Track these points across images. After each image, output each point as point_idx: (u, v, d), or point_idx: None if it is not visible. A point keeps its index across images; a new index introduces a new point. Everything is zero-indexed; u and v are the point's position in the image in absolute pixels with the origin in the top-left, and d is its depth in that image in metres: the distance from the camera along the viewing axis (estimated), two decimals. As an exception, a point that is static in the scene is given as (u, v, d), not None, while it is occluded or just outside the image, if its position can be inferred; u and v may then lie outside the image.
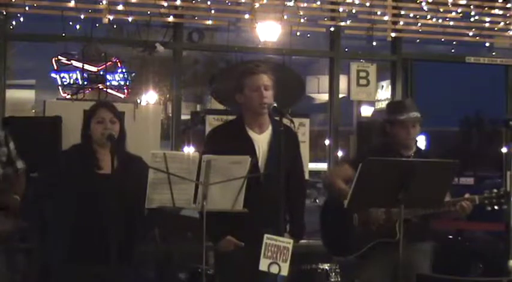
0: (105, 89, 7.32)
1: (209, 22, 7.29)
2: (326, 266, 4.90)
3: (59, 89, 7.47)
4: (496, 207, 4.45)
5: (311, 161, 7.79)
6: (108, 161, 4.07)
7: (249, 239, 3.76)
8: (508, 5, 7.94)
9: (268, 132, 4.14)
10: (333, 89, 7.82)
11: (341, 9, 7.56)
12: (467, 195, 4.43)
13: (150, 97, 10.79)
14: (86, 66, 7.25)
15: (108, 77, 7.36)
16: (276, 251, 3.49)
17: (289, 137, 4.17)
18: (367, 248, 4.46)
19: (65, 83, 7.33)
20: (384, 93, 8.94)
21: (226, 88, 7.25)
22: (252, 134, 4.16)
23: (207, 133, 4.51)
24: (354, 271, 4.74)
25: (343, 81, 7.99)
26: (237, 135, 4.15)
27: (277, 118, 3.83)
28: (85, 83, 7.25)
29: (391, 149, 4.51)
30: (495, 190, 4.44)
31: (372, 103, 10.15)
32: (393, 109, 4.66)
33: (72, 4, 6.89)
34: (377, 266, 4.45)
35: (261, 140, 4.13)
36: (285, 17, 7.36)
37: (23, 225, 4.68)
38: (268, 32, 7.39)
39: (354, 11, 7.62)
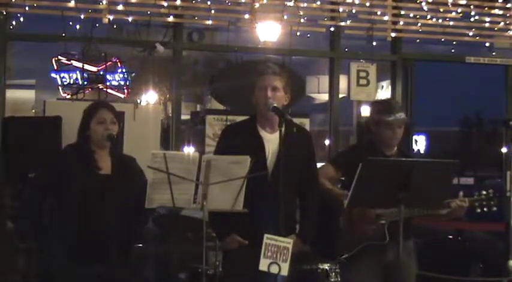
0: (105, 89, 7.33)
1: (209, 22, 7.29)
2: (326, 266, 4.89)
3: (59, 89, 7.48)
4: (485, 210, 4.44)
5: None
6: (107, 161, 4.08)
7: (256, 238, 3.76)
8: (508, 5, 7.94)
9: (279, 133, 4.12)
10: (333, 89, 7.83)
11: (341, 9, 7.56)
12: (460, 198, 4.42)
13: (150, 97, 10.77)
14: (86, 66, 7.26)
15: (108, 77, 7.38)
16: (276, 251, 3.49)
17: (301, 138, 4.19)
18: (355, 251, 4.44)
19: (65, 83, 7.35)
20: (384, 93, 8.93)
21: (226, 88, 7.27)
22: (263, 133, 4.17)
23: (222, 129, 4.53)
24: (343, 275, 4.72)
25: (343, 81, 7.99)
26: (249, 133, 4.17)
27: (289, 119, 3.82)
28: (85, 83, 7.26)
29: (374, 148, 4.49)
30: (484, 192, 4.43)
31: (370, 106, 10.13)
32: (380, 109, 4.63)
33: (72, 4, 6.89)
34: (366, 268, 4.44)
35: (272, 140, 4.13)
36: (285, 17, 7.36)
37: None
38: (268, 32, 7.39)
39: (354, 11, 7.62)
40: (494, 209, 4.43)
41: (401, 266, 4.23)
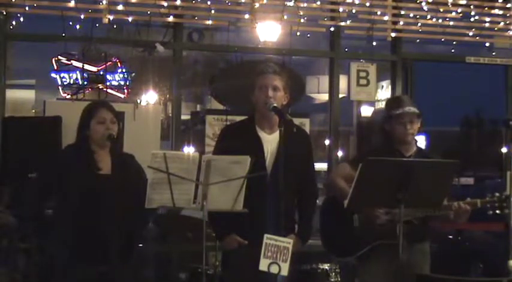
0: (105, 89, 7.33)
1: (209, 22, 7.29)
2: (326, 266, 4.91)
3: (59, 89, 7.48)
4: (497, 212, 4.43)
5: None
6: (107, 161, 4.08)
7: (255, 238, 3.77)
8: (508, 5, 7.93)
9: (278, 133, 4.11)
10: (333, 89, 7.82)
11: (341, 9, 7.56)
12: (468, 199, 4.40)
13: (150, 97, 10.77)
14: (86, 66, 7.26)
15: (108, 77, 7.37)
16: (276, 251, 3.49)
17: (300, 138, 4.19)
18: (367, 250, 4.44)
19: (65, 83, 7.35)
20: (384, 93, 8.94)
21: (226, 88, 7.26)
22: (262, 134, 4.18)
23: (221, 130, 4.54)
24: (355, 272, 4.73)
25: (343, 81, 7.99)
26: (247, 134, 4.17)
27: (289, 119, 3.84)
28: (85, 83, 7.26)
29: (391, 149, 4.50)
30: (497, 194, 4.40)
31: (372, 103, 10.15)
32: (390, 105, 4.64)
33: (72, 4, 6.88)
34: (378, 267, 4.44)
35: (270, 140, 4.14)
36: (285, 17, 7.35)
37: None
38: (268, 32, 7.38)
39: (354, 11, 7.62)
40: (507, 211, 4.40)
41: (413, 267, 4.24)
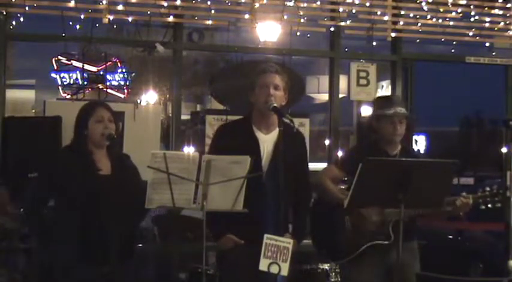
0: (105, 89, 7.33)
1: (209, 22, 7.28)
2: (326, 266, 4.90)
3: (59, 89, 7.49)
4: (489, 206, 4.44)
5: (311, 161, 7.79)
6: (105, 161, 4.08)
7: (252, 238, 3.77)
8: (508, 5, 7.93)
9: (275, 133, 4.05)
10: (333, 89, 7.82)
11: (341, 9, 7.56)
12: (463, 195, 4.41)
13: (150, 97, 10.81)
14: (86, 66, 7.26)
15: (108, 77, 7.38)
16: (276, 251, 3.49)
17: (296, 139, 4.19)
18: (359, 252, 4.42)
19: (65, 83, 7.37)
20: (384, 93, 8.93)
21: (226, 88, 7.27)
22: (259, 134, 4.17)
23: (216, 129, 4.53)
24: (346, 274, 4.73)
25: (343, 81, 7.99)
26: (243, 134, 4.16)
27: (287, 120, 3.83)
28: (85, 83, 7.27)
29: (377, 148, 4.50)
30: (488, 189, 4.43)
31: (372, 103, 10.14)
32: (381, 104, 4.63)
33: (72, 4, 6.88)
34: (369, 268, 4.44)
35: (267, 140, 4.14)
36: (285, 17, 7.35)
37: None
38: (268, 32, 7.38)
39: (354, 11, 7.61)
40: (499, 205, 4.42)
41: (404, 266, 4.24)
